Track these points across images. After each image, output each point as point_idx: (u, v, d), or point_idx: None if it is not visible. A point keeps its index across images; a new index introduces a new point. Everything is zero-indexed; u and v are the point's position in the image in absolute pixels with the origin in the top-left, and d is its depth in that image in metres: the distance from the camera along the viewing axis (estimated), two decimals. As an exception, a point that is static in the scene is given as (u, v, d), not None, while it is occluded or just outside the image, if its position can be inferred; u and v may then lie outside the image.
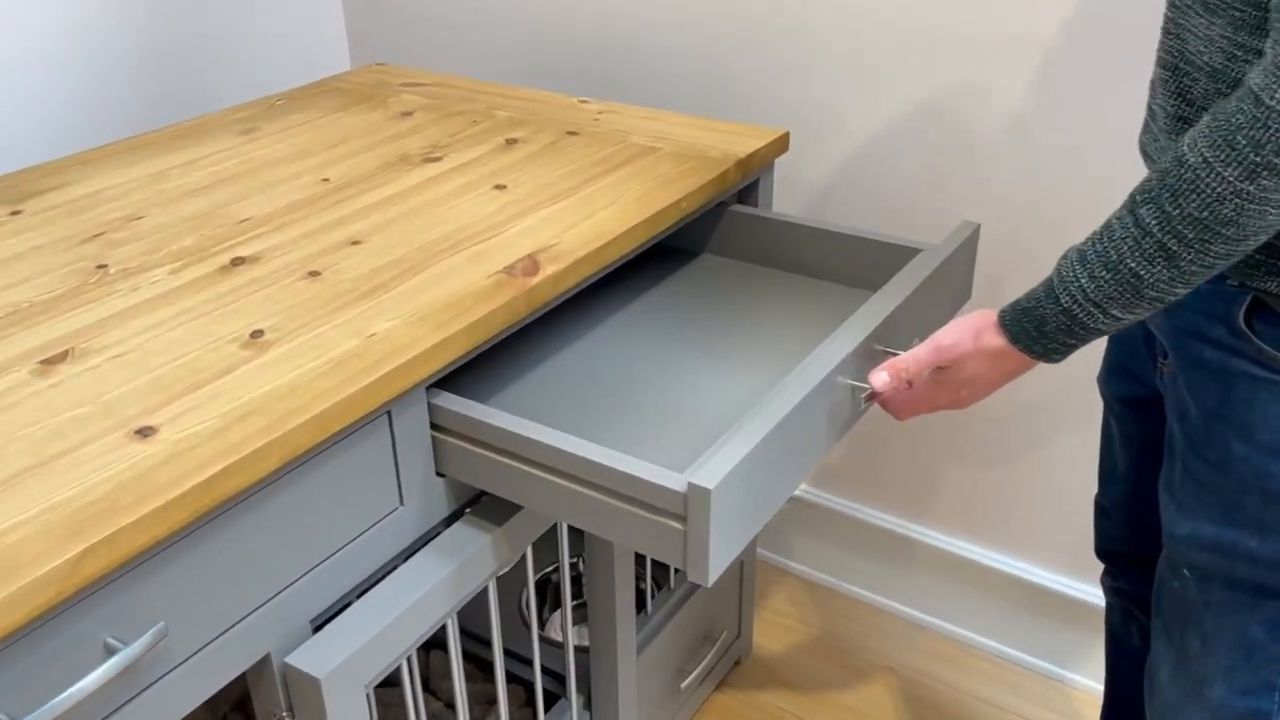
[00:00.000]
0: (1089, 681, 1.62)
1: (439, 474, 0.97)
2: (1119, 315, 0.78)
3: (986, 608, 1.67)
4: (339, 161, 1.28)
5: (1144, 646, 1.17)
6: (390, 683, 1.32)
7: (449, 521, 1.00)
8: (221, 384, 0.84)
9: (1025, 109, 1.36)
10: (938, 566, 1.69)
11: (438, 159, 1.28)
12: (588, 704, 1.31)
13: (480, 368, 1.10)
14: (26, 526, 0.69)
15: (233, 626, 0.81)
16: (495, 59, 1.78)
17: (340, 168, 1.26)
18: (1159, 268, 0.74)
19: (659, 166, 1.24)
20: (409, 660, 0.98)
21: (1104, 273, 0.77)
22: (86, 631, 0.71)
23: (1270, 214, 0.70)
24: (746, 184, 1.32)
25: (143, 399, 0.82)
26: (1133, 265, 0.75)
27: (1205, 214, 0.71)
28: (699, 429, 1.00)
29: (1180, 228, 0.72)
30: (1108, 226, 0.77)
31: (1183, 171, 0.71)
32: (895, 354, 0.98)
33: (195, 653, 0.79)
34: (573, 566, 1.56)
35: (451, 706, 1.36)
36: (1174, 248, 0.73)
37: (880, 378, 0.94)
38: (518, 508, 1.00)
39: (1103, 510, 1.16)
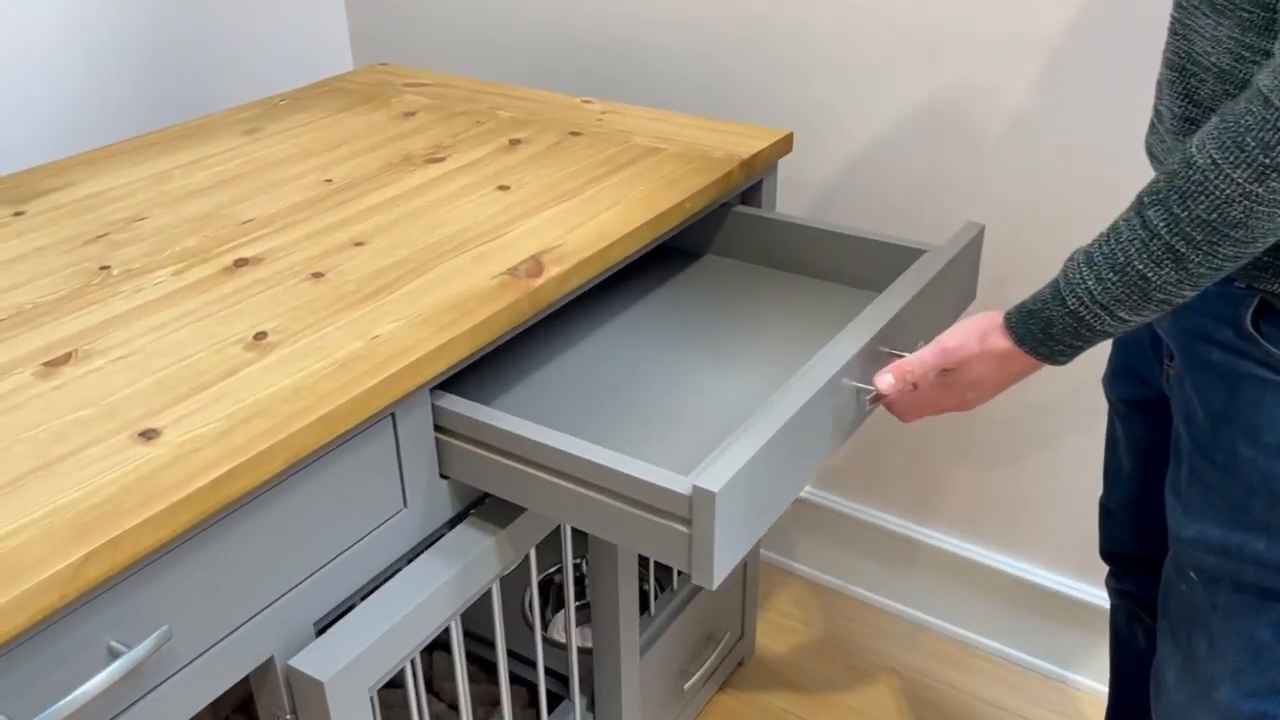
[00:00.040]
0: (1092, 683, 1.62)
1: (443, 476, 0.97)
2: (1126, 317, 0.78)
3: (990, 609, 1.67)
4: (342, 162, 1.27)
5: (1149, 648, 1.17)
6: (393, 684, 1.32)
7: (453, 523, 1.00)
8: (225, 386, 0.84)
9: (1030, 109, 1.35)
10: (941, 568, 1.69)
11: (441, 159, 1.28)
12: (591, 705, 1.30)
13: (483, 369, 1.10)
14: (30, 529, 0.69)
15: (236, 629, 0.81)
16: (498, 59, 1.78)
17: (343, 168, 1.26)
18: (1167, 270, 0.74)
19: (663, 167, 1.24)
20: (412, 662, 0.98)
21: (1111, 275, 0.77)
22: (90, 635, 0.71)
23: (1279, 216, 0.69)
24: (750, 185, 1.32)
25: (146, 401, 0.82)
26: (1140, 267, 0.75)
27: (1214, 216, 0.71)
28: (703, 430, 1.00)
29: (1188, 230, 0.72)
30: (1114, 228, 0.77)
31: (1191, 173, 0.71)
32: (900, 356, 0.98)
33: (199, 656, 0.79)
34: (576, 567, 1.56)
35: (455, 708, 1.35)
36: (1182, 250, 0.73)
37: (885, 380, 0.94)
38: (521, 510, 0.99)
39: (1108, 512, 1.16)
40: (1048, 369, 0.87)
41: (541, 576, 1.57)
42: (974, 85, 1.38)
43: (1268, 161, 0.67)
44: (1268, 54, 0.74)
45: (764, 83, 1.53)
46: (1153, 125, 0.90)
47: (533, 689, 1.37)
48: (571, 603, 1.18)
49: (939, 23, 1.37)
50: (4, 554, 0.67)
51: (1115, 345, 1.07)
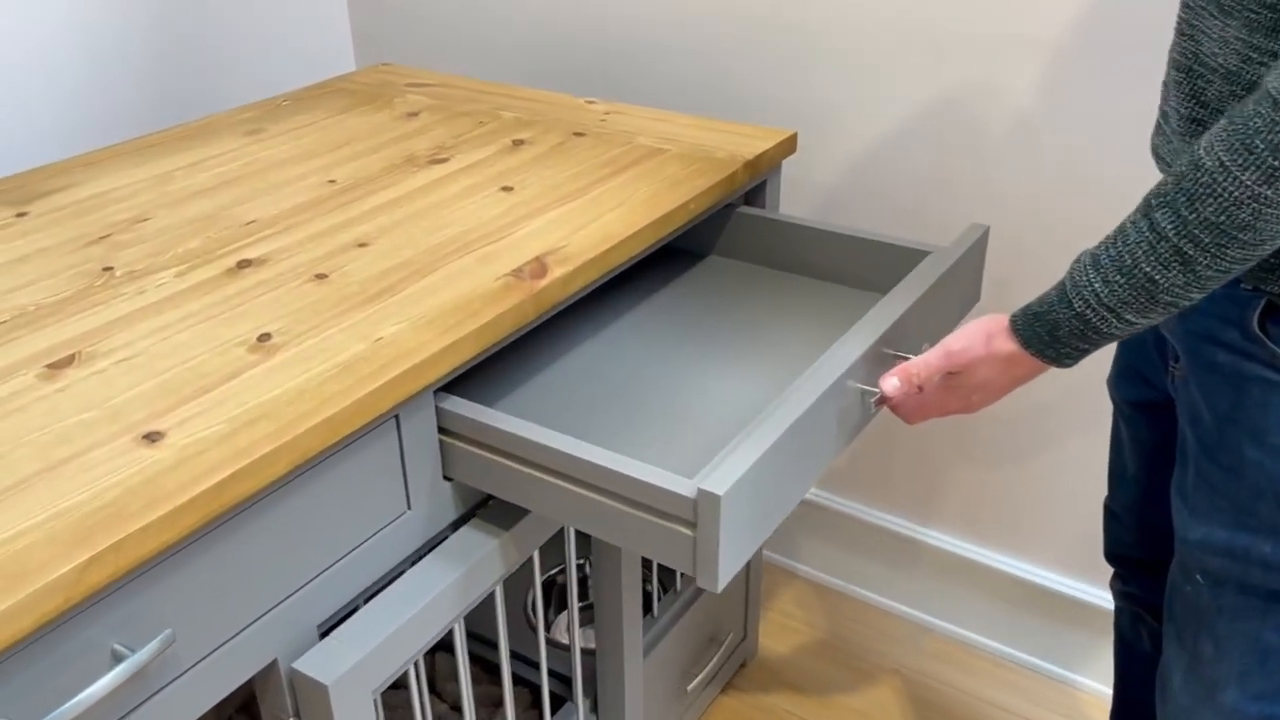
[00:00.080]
0: (1096, 684, 1.61)
1: (446, 478, 0.97)
2: (1133, 320, 0.78)
3: (994, 610, 1.67)
4: (345, 163, 1.27)
5: (1153, 650, 1.16)
6: (396, 685, 1.31)
7: (456, 525, 1.00)
8: (229, 388, 0.83)
9: (1035, 109, 1.35)
10: (945, 569, 1.69)
11: (444, 160, 1.28)
12: (594, 707, 1.30)
13: (487, 371, 1.09)
14: (34, 532, 0.69)
15: (240, 632, 0.81)
16: (500, 59, 1.78)
17: (346, 169, 1.25)
18: (1174, 272, 0.74)
19: (666, 168, 1.24)
20: (415, 663, 0.98)
21: (1118, 277, 0.77)
22: (94, 638, 0.71)
23: (1288, 218, 0.69)
24: (754, 185, 1.32)
25: (150, 403, 0.82)
26: (1148, 270, 0.75)
27: (1222, 218, 0.70)
28: (707, 432, 1.00)
29: (1196, 232, 0.72)
30: (1122, 230, 0.77)
31: (1199, 175, 0.71)
32: (905, 358, 0.98)
33: (202, 659, 0.78)
34: (579, 568, 1.56)
35: (457, 709, 1.35)
36: (1190, 252, 0.73)
37: (891, 383, 0.93)
38: (525, 511, 0.99)
39: (1112, 514, 1.15)
40: (1052, 370, 0.87)
41: (544, 577, 1.57)
42: (979, 85, 1.38)
43: (1276, 164, 0.67)
44: (1275, 55, 0.73)
45: (768, 83, 1.53)
46: (1159, 126, 0.89)
47: (535, 690, 1.36)
48: (575, 604, 1.18)
49: (944, 23, 1.37)
50: (8, 557, 0.67)
51: (1120, 346, 1.07)
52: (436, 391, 0.93)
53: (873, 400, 0.98)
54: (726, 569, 0.83)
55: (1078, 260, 0.81)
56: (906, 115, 1.44)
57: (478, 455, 0.94)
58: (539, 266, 1.02)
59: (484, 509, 1.01)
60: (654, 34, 1.60)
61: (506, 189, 1.19)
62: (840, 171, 1.53)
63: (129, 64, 1.58)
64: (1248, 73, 0.76)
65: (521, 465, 0.91)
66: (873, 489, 1.72)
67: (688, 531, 0.82)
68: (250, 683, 0.87)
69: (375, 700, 0.88)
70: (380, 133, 1.37)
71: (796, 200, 1.58)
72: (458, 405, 0.93)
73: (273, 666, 0.85)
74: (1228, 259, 0.72)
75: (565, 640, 1.47)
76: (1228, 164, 0.69)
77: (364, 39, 1.91)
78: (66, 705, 0.68)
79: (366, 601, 0.91)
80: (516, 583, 1.49)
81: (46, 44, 1.47)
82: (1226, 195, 0.70)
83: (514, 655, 1.37)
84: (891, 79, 1.43)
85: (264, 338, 0.90)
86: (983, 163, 1.41)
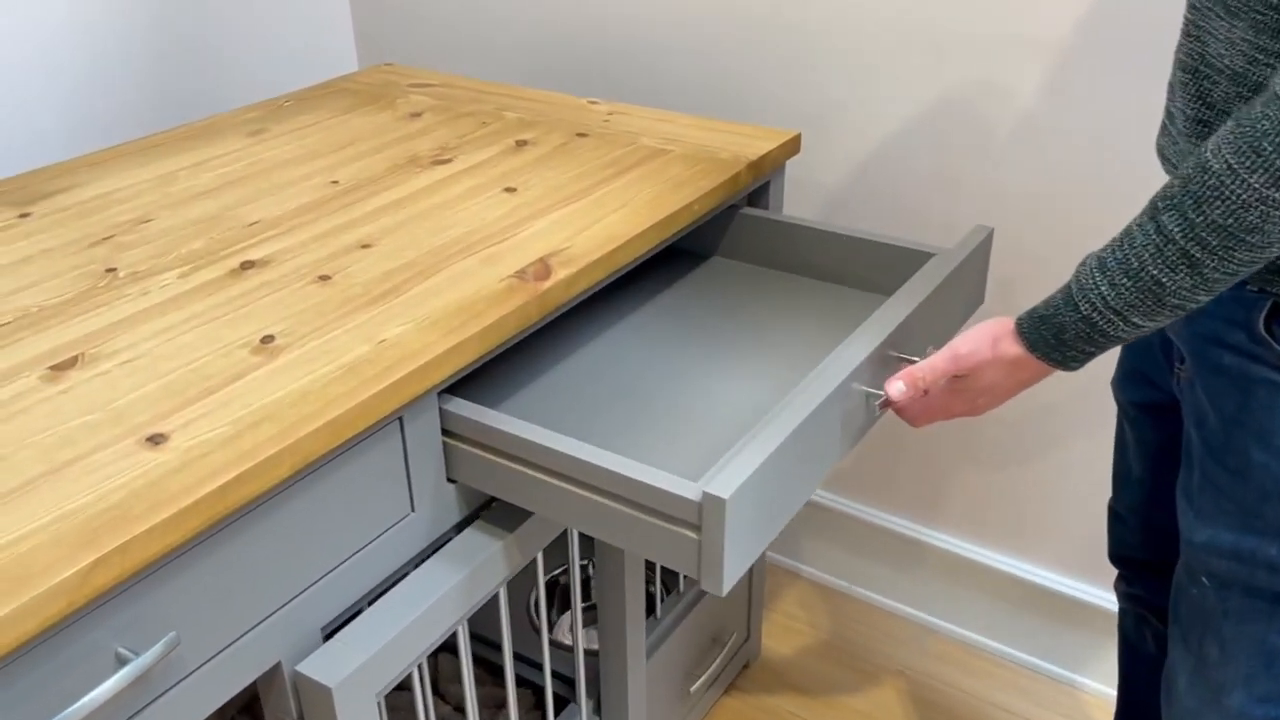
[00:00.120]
0: (1100, 686, 1.61)
1: (450, 480, 0.96)
2: (1140, 323, 0.78)
3: (998, 611, 1.67)
4: (348, 163, 1.27)
5: (1158, 652, 1.16)
6: (399, 686, 1.31)
7: (460, 527, 1.00)
8: (233, 390, 0.83)
9: (1039, 110, 1.35)
10: (949, 570, 1.69)
11: (447, 161, 1.27)
12: (597, 708, 1.30)
13: (490, 372, 1.09)
14: (38, 535, 0.69)
15: (244, 635, 0.81)
16: (503, 59, 1.78)
17: (349, 170, 1.25)
18: (1182, 275, 0.74)
19: (670, 169, 1.24)
20: (419, 665, 0.98)
21: (1125, 280, 0.76)
22: (98, 641, 0.71)
23: (1295, 221, 0.69)
24: (757, 186, 1.31)
25: (154, 405, 0.82)
26: (1154, 273, 0.75)
27: (1230, 221, 0.70)
28: (711, 434, 1.00)
29: (1204, 235, 0.71)
30: (1128, 233, 0.77)
31: (1206, 178, 0.71)
32: (910, 360, 0.98)
33: (206, 662, 0.78)
34: (582, 569, 1.56)
35: (461, 710, 1.35)
36: (1197, 255, 0.72)
37: (896, 387, 0.93)
38: (529, 514, 0.99)
39: (1117, 516, 1.15)
40: (1057, 372, 0.87)
41: (547, 578, 1.56)
42: (983, 86, 1.37)
43: (1284, 166, 0.67)
44: (1282, 57, 0.73)
45: (770, 83, 1.53)
46: (1164, 127, 0.89)
47: (538, 691, 1.36)
48: (578, 606, 1.18)
49: (947, 23, 1.36)
50: (12, 560, 0.67)
51: (1124, 348, 1.07)
52: (440, 393, 0.93)
53: (877, 403, 0.98)
54: (731, 573, 0.83)
55: (1083, 263, 0.80)
56: (910, 115, 1.44)
57: (481, 457, 0.93)
58: (543, 268, 1.02)
59: (487, 511, 1.01)
60: (656, 34, 1.59)
61: (510, 190, 1.19)
62: (843, 172, 1.53)
63: (131, 64, 1.58)
64: (1254, 74, 0.76)
65: (525, 467, 0.91)
66: (877, 490, 1.72)
67: (693, 535, 0.82)
68: (253, 684, 0.87)
69: (379, 703, 0.88)
70: (383, 133, 1.37)
71: (800, 201, 1.58)
72: (461, 407, 0.93)
73: (276, 669, 0.85)
74: (1235, 261, 0.72)
75: (568, 641, 1.47)
76: (1235, 167, 0.69)
77: (366, 39, 1.91)
78: (70, 709, 0.68)
79: (370, 604, 0.91)
80: (519, 583, 1.48)
81: (48, 44, 1.47)
82: (1234, 198, 0.69)
83: (517, 656, 1.37)
84: (895, 79, 1.43)
85: (267, 339, 0.90)
86: (987, 163, 1.41)
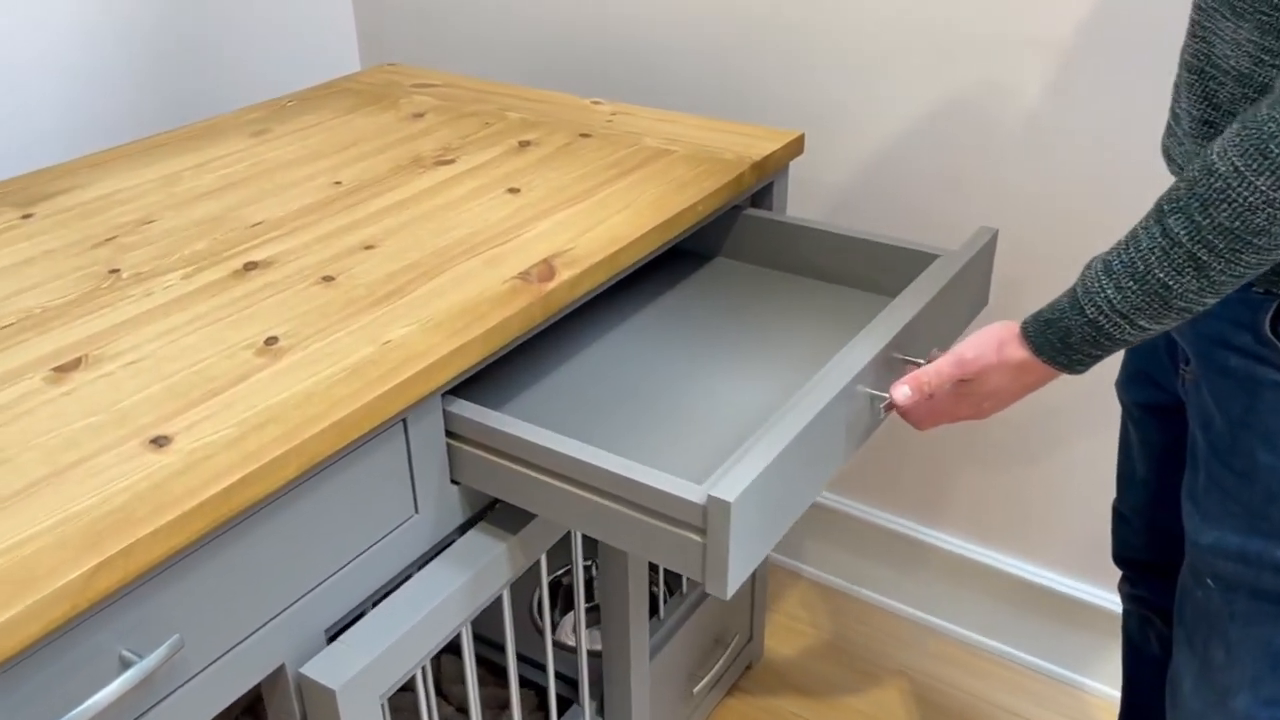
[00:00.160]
0: (1104, 687, 1.61)
1: (454, 482, 0.96)
2: (1146, 326, 0.77)
3: (1000, 612, 1.66)
4: (351, 164, 1.27)
5: (1162, 654, 1.16)
6: (403, 687, 1.31)
7: (463, 529, 1.00)
8: (237, 391, 0.83)
9: (1043, 110, 1.35)
10: (951, 571, 1.68)
11: (450, 161, 1.27)
12: (600, 709, 1.30)
13: (494, 374, 1.09)
14: (42, 538, 0.68)
15: (248, 637, 0.80)
16: (506, 59, 1.77)
17: (352, 170, 1.25)
18: (1188, 278, 0.73)
19: (673, 169, 1.23)
20: (423, 667, 0.98)
21: (1130, 283, 0.76)
22: (102, 644, 0.70)
23: (1302, 223, 0.69)
24: (761, 187, 1.31)
25: (157, 407, 0.81)
26: (1161, 276, 0.74)
27: (1236, 224, 0.70)
28: (715, 436, 1.00)
29: (1210, 237, 0.71)
30: (1134, 236, 0.76)
31: (1213, 180, 0.70)
32: (914, 362, 0.97)
33: (210, 664, 0.78)
34: (585, 570, 1.56)
35: (464, 711, 1.35)
36: (1204, 258, 0.72)
37: (902, 391, 0.93)
38: (532, 515, 0.99)
39: (1121, 517, 1.15)
40: (1063, 375, 0.87)
41: (550, 578, 1.56)
42: (987, 86, 1.37)
43: (1291, 169, 0.67)
44: (1289, 58, 0.73)
45: (773, 83, 1.53)
46: (1170, 128, 0.89)
47: (541, 692, 1.36)
48: (581, 607, 1.18)
49: (951, 23, 1.36)
50: (16, 563, 0.66)
51: (1129, 350, 1.06)
52: (444, 395, 0.93)
53: (882, 406, 0.98)
54: (736, 575, 0.82)
55: (1089, 266, 0.80)
56: (914, 116, 1.44)
57: (485, 459, 0.93)
58: (546, 269, 1.01)
59: (491, 512, 1.01)
60: (659, 34, 1.59)
61: (513, 190, 1.19)
62: (847, 173, 1.52)
63: (133, 64, 1.57)
64: (1260, 75, 0.75)
65: (529, 469, 0.91)
66: (880, 491, 1.72)
67: (697, 538, 0.82)
68: (257, 686, 0.87)
69: (383, 705, 0.88)
70: (386, 133, 1.37)
71: (803, 202, 1.58)
72: (465, 409, 0.93)
73: (280, 671, 0.85)
74: (1242, 264, 0.71)
75: (571, 642, 1.47)
76: (1242, 169, 0.69)
77: (369, 39, 1.90)
78: (74, 711, 0.68)
79: (374, 606, 0.91)
80: (522, 584, 1.48)
81: (50, 45, 1.47)
82: (1241, 200, 0.69)
83: (520, 657, 1.37)
84: (899, 79, 1.43)
85: (271, 341, 0.90)
86: (991, 163, 1.41)
